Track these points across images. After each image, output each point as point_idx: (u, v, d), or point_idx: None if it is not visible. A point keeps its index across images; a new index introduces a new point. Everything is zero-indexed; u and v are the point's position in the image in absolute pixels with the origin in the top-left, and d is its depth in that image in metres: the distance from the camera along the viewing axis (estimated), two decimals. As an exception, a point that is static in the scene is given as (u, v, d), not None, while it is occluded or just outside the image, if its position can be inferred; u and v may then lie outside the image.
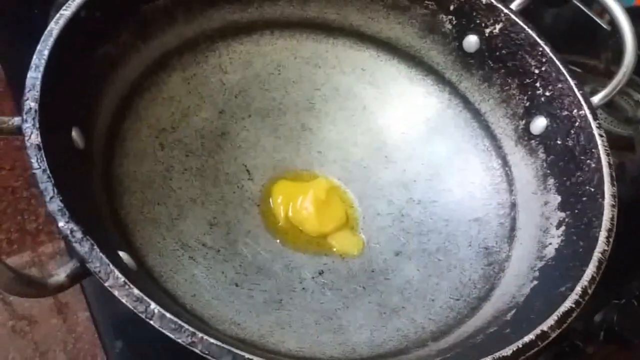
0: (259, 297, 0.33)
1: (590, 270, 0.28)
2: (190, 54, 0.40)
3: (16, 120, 0.25)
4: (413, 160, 0.42)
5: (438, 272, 0.36)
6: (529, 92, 0.38)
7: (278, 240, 0.37)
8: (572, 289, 0.27)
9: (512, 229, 0.36)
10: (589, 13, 0.64)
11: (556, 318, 0.26)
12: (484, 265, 0.35)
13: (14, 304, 0.38)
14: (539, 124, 0.37)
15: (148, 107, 0.37)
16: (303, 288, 0.35)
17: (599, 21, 0.71)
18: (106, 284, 0.22)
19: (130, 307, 0.21)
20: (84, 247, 0.22)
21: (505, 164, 0.39)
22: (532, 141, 0.37)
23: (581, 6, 0.64)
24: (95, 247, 0.22)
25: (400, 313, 0.34)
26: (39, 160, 0.24)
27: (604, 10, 0.80)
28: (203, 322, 0.29)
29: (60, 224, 0.22)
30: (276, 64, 0.43)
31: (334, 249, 0.38)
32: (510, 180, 0.38)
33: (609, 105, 0.58)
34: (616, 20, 0.36)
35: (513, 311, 0.29)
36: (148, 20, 0.36)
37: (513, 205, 0.37)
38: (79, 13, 0.30)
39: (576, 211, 0.32)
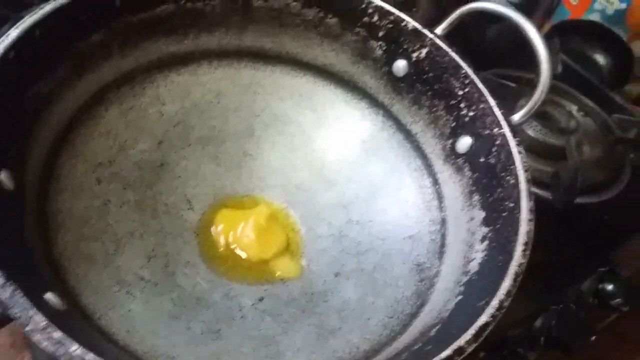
0: (196, 328, 0.34)
1: (506, 284, 0.29)
2: (128, 87, 0.41)
3: None
4: (352, 181, 0.44)
5: (374, 290, 0.37)
6: (455, 113, 0.40)
7: (218, 269, 0.38)
8: (488, 303, 0.28)
9: (442, 244, 0.37)
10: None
11: (473, 332, 0.27)
12: (416, 281, 0.37)
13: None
14: (464, 143, 0.39)
15: (85, 142, 0.38)
16: (242, 316, 0.36)
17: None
18: (26, 330, 0.22)
19: (50, 351, 0.22)
20: (5, 292, 0.22)
21: (435, 182, 0.40)
22: (459, 160, 0.39)
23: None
24: (18, 292, 0.23)
25: (337, 334, 0.35)
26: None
27: (545, 23, 0.84)
28: (136, 358, 0.29)
29: (-20, 271, 0.23)
30: (215, 92, 0.44)
31: (276, 274, 0.39)
32: (440, 198, 0.40)
33: (544, 117, 0.61)
34: (528, 37, 0.38)
35: (438, 327, 0.30)
36: (83, 56, 0.37)
37: (443, 222, 0.39)
38: (6, 55, 0.31)
39: (498, 226, 0.34)
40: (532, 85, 0.67)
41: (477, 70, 0.62)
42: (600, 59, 0.76)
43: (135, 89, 0.41)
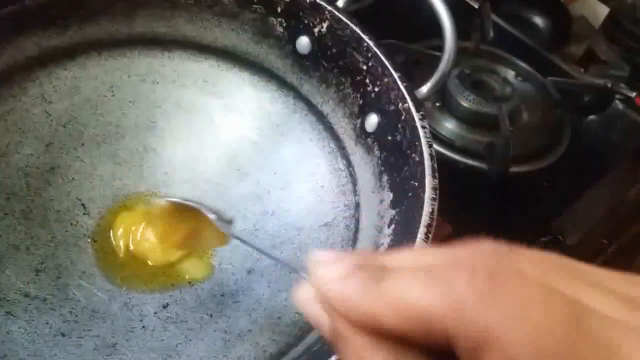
0: (89, 344, 0.31)
1: (406, 272, 0.27)
2: (5, 88, 0.37)
3: None
4: (265, 170, 0.41)
5: (287, 285, 0.35)
6: (361, 90, 0.37)
7: (118, 278, 0.35)
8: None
9: (356, 230, 0.35)
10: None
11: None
12: (329, 273, 0.34)
13: None
14: (372, 121, 0.36)
15: (-46, 152, 0.34)
16: (143, 326, 0.33)
17: (469, 1, 0.72)
18: None
19: None
20: None
21: (349, 164, 0.38)
22: (368, 139, 0.36)
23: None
24: None
25: (245, 338, 0.32)
26: None
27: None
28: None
29: None
30: (108, 85, 0.41)
31: (185, 277, 0.36)
32: (354, 181, 0.37)
33: (478, 86, 0.58)
34: (434, 8, 0.36)
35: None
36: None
37: (357, 206, 0.36)
38: None
39: (403, 207, 0.31)
40: (468, 51, 0.64)
41: (410, 43, 0.60)
42: (537, 20, 0.74)
43: (14, 90, 0.37)
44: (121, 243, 0.36)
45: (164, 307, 0.34)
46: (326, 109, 0.40)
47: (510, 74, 0.63)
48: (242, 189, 0.41)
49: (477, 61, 0.63)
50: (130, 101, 0.41)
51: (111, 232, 0.37)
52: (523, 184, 0.55)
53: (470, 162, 0.53)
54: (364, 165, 0.37)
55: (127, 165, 0.40)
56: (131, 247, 0.36)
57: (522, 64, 0.63)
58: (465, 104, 0.55)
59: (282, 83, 0.41)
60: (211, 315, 0.34)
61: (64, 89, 0.39)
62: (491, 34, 0.60)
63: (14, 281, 0.32)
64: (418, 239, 0.28)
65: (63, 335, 0.31)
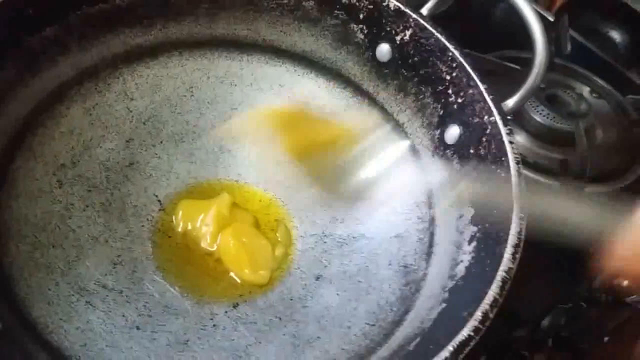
0: (162, 339, 0.31)
1: (492, 292, 0.26)
2: (91, 83, 0.38)
3: None
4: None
5: (357, 295, 0.34)
6: (442, 100, 0.36)
7: (190, 275, 0.35)
8: (472, 314, 0.25)
9: (430, 244, 0.34)
10: (533, 7, 0.63)
11: (451, 349, 0.24)
12: (401, 285, 0.34)
13: None
14: (453, 132, 0.35)
15: (43, 144, 0.35)
16: (214, 325, 0.33)
17: (544, 14, 0.69)
18: None
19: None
20: None
21: (424, 175, 0.37)
22: (447, 151, 0.36)
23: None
24: None
25: (314, 344, 0.32)
26: None
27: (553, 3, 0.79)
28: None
29: None
30: (188, 85, 0.41)
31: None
32: (429, 193, 0.36)
33: (553, 101, 0.56)
34: (525, 20, 0.35)
35: (417, 340, 0.27)
36: (35, 52, 0.34)
37: (432, 220, 0.35)
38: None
39: (487, 225, 0.30)
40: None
41: (482, 53, 0.58)
42: (616, 35, 0.71)
43: (99, 85, 0.38)
44: (199, 239, 0.37)
45: (234, 306, 0.34)
46: (402, 118, 0.39)
47: (586, 90, 0.60)
48: (311, 194, 0.40)
49: (551, 75, 0.60)
50: (208, 102, 0.42)
51: (186, 229, 0.37)
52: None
53: (542, 179, 0.51)
54: (441, 177, 0.36)
55: (202, 165, 0.40)
56: (207, 246, 0.37)
57: (599, 81, 0.61)
58: (538, 118, 0.53)
59: (357, 90, 0.41)
60: (280, 319, 0.34)
61: (146, 87, 0.40)
62: (569, 48, 0.58)
63: (93, 272, 0.33)
64: (505, 259, 0.27)
65: (138, 328, 0.31)
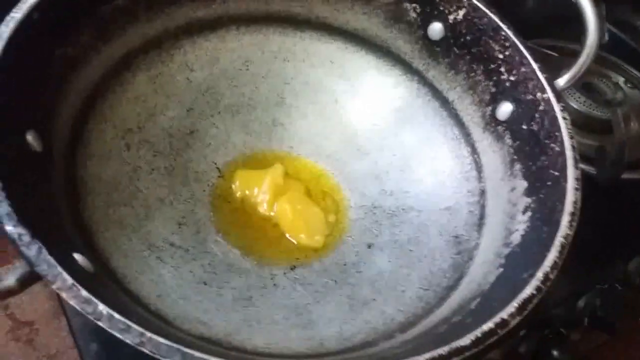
0: (227, 295, 0.33)
1: (552, 255, 0.27)
2: (155, 53, 0.40)
3: (-37, 125, 0.25)
4: (385, 151, 0.42)
5: (409, 262, 0.36)
6: (494, 78, 0.37)
7: (249, 238, 0.37)
8: (533, 275, 0.27)
9: (481, 216, 0.36)
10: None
11: (516, 305, 0.25)
12: (453, 254, 0.35)
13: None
14: (505, 109, 0.37)
15: (113, 108, 0.37)
16: (274, 284, 0.35)
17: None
18: (54, 287, 0.22)
19: (79, 308, 0.21)
20: (31, 250, 0.22)
21: (474, 151, 0.39)
22: (499, 127, 0.37)
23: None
24: (44, 250, 0.22)
25: (371, 305, 0.34)
26: (-15, 166, 0.23)
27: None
28: (167, 322, 0.29)
29: (8, 227, 0.22)
30: (244, 59, 0.43)
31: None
32: (479, 168, 0.38)
33: (589, 89, 0.57)
34: (577, 1, 0.36)
35: (477, 300, 0.29)
36: (107, 20, 0.36)
37: (482, 193, 0.37)
38: (30, 15, 0.30)
39: (541, 196, 0.32)
40: (575, 55, 0.64)
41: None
42: (647, 28, 0.72)
43: (162, 55, 0.40)
44: (256, 204, 0.38)
45: (292, 269, 0.36)
46: (452, 95, 0.40)
47: (621, 80, 0.62)
48: (361, 167, 0.42)
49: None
50: (262, 76, 0.43)
51: (244, 196, 0.39)
52: (631, 191, 0.54)
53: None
54: (492, 153, 0.37)
55: (256, 136, 0.42)
56: (262, 212, 0.38)
57: (633, 71, 0.62)
58: (575, 105, 0.55)
59: (407, 68, 0.42)
60: (335, 282, 0.35)
61: (205, 59, 0.42)
62: (606, 37, 0.59)
63: (161, 231, 0.35)
64: (562, 226, 0.28)
65: (205, 284, 0.33)
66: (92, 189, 0.33)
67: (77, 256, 0.26)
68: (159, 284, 0.32)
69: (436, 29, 0.40)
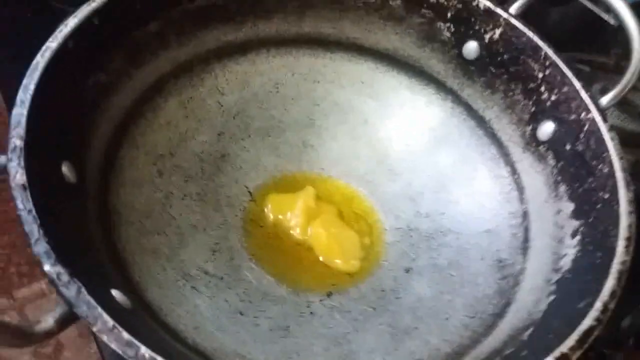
0: (264, 324, 0.32)
1: (610, 284, 0.26)
2: (186, 77, 0.39)
3: (2, 158, 0.24)
4: (418, 171, 0.41)
5: (450, 288, 0.35)
6: (534, 97, 0.36)
7: (283, 264, 0.36)
8: (591, 305, 0.25)
9: (526, 239, 0.34)
10: (594, 9, 0.62)
11: (576, 338, 0.24)
12: (497, 279, 0.34)
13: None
14: (547, 129, 0.35)
15: (144, 134, 0.37)
16: (311, 312, 0.34)
17: (605, 17, 0.69)
18: (94, 329, 0.21)
19: (120, 352, 0.20)
20: (70, 290, 0.21)
21: (514, 171, 0.37)
22: (541, 147, 0.36)
23: (586, 3, 0.62)
24: (83, 290, 0.21)
25: (413, 334, 0.32)
26: (23, 201, 0.23)
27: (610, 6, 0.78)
28: (205, 357, 0.28)
29: (46, 267, 0.21)
30: (274, 82, 0.42)
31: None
32: (520, 189, 0.37)
33: (621, 102, 0.56)
34: (621, 18, 0.35)
35: (530, 330, 0.28)
36: (139, 45, 0.36)
37: (525, 215, 0.36)
38: (66, 44, 0.30)
39: (591, 219, 0.31)
40: (605, 69, 0.62)
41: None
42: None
43: (193, 80, 0.40)
44: (289, 229, 0.38)
45: (328, 295, 0.35)
46: (489, 114, 0.39)
47: (653, 93, 0.60)
48: (394, 188, 0.41)
49: (618, 78, 0.60)
50: (292, 98, 0.42)
51: (276, 220, 0.38)
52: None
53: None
54: (534, 173, 0.36)
55: (287, 159, 0.41)
56: (296, 236, 0.37)
57: (666, 84, 0.60)
58: (609, 120, 0.53)
59: (440, 87, 0.41)
60: (374, 309, 0.34)
61: (235, 83, 0.41)
62: (638, 50, 0.58)
63: (195, 259, 0.34)
64: (619, 252, 0.27)
65: (241, 314, 0.32)
66: (125, 219, 0.33)
67: (114, 292, 0.25)
68: (195, 316, 0.31)
69: (471, 48, 0.39)
